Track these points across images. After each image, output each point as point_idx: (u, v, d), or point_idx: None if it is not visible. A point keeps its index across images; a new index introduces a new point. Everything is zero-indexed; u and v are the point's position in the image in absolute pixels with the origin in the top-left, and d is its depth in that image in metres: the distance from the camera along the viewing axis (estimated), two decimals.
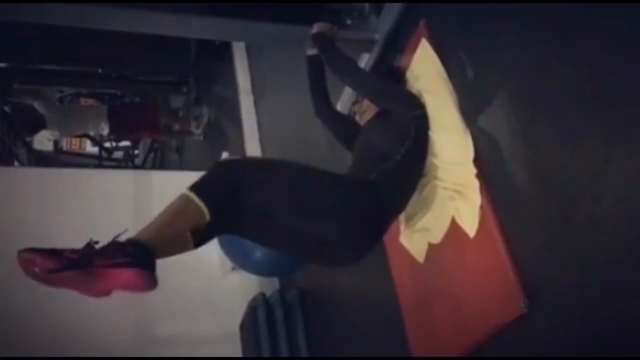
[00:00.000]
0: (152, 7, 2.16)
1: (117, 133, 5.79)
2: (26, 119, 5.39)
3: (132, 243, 1.49)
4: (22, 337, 3.19)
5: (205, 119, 5.79)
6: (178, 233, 1.55)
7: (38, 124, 5.29)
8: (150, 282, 1.47)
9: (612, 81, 1.44)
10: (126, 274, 1.43)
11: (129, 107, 6.31)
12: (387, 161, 1.92)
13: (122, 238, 1.51)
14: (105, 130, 5.48)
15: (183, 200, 1.59)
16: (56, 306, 3.06)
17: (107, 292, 1.47)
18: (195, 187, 1.61)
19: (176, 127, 6.15)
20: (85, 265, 1.41)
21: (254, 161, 1.86)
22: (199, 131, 5.80)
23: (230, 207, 1.64)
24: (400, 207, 2.02)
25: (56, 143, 6.24)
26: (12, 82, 5.54)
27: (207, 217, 1.57)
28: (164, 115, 6.04)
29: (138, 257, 1.45)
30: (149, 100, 6.56)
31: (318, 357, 3.21)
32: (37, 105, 5.27)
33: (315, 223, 1.76)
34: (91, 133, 5.84)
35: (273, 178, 1.74)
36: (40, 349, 3.21)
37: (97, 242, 1.48)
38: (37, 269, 1.40)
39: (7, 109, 5.56)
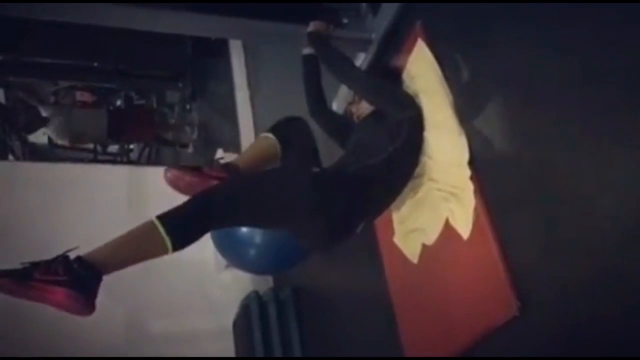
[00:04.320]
0: (148, 5, 2.15)
1: (115, 134, 5.87)
2: (28, 119, 5.41)
3: (79, 260, 1.48)
4: (14, 332, 3.18)
5: (195, 128, 5.87)
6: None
7: (39, 123, 5.34)
8: (82, 306, 1.46)
9: (610, 83, 1.43)
10: (58, 294, 1.43)
11: (126, 111, 6.35)
12: (372, 158, 1.93)
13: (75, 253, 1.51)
14: (104, 131, 5.56)
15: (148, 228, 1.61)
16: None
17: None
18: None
19: (169, 135, 6.20)
20: (22, 277, 1.43)
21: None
22: (194, 136, 5.87)
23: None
24: (378, 204, 2.01)
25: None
26: (6, 75, 5.53)
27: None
28: (157, 123, 6.14)
29: (77, 277, 1.45)
30: (144, 96, 6.57)
31: (311, 357, 3.21)
32: (42, 109, 5.34)
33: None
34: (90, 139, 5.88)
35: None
36: (32, 344, 3.19)
37: (69, 252, 1.50)
38: None
39: (2, 101, 5.56)
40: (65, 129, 5.35)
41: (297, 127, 2.11)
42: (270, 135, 2.02)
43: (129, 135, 5.93)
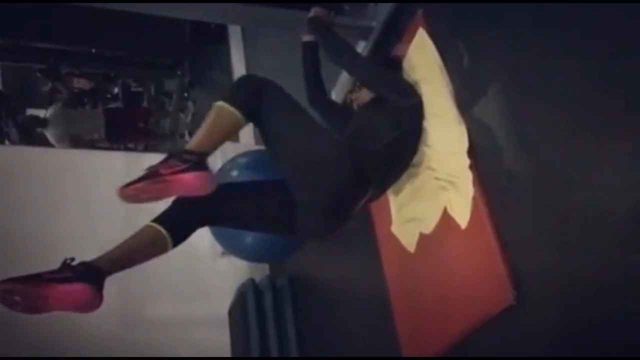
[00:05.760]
0: None
1: (112, 137, 5.92)
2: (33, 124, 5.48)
3: (82, 264, 1.54)
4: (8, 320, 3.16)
5: (190, 115, 5.88)
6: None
7: (37, 124, 5.42)
8: (90, 296, 1.52)
9: (611, 73, 1.43)
10: (64, 289, 1.48)
11: (122, 111, 6.37)
12: (374, 143, 1.92)
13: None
14: (101, 133, 5.63)
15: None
16: None
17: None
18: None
19: (166, 129, 6.23)
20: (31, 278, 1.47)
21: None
22: (188, 119, 5.90)
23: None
24: (378, 188, 1.99)
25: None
26: (3, 60, 5.53)
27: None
28: (154, 115, 6.18)
29: (80, 271, 1.51)
30: (142, 83, 6.57)
31: (307, 357, 3.21)
32: (48, 110, 5.41)
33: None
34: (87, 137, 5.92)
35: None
36: (27, 329, 3.18)
37: (72, 259, 1.54)
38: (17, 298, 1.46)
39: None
40: (64, 135, 5.42)
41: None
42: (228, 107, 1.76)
43: (127, 139, 6.08)
